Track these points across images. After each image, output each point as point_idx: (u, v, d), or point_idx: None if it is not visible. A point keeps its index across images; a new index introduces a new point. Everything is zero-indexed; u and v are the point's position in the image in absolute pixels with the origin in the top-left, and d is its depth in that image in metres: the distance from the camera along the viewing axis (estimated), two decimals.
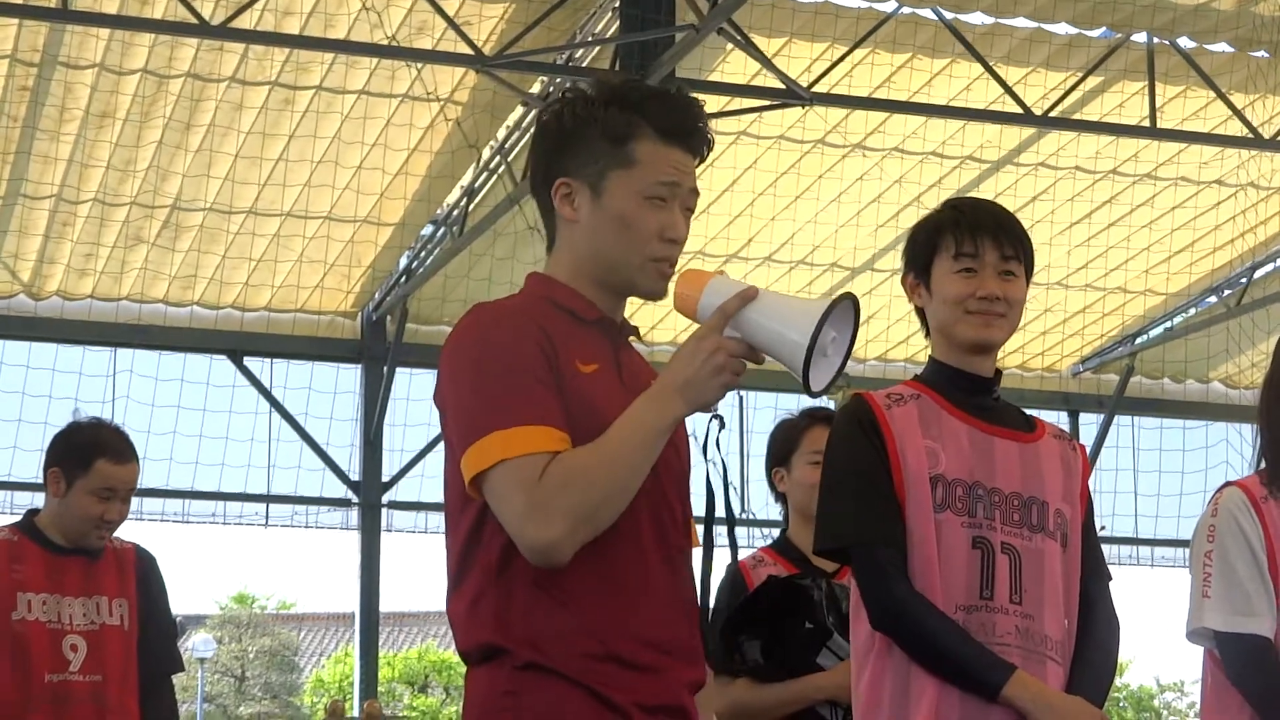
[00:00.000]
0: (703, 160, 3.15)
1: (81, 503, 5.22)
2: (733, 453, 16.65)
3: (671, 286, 3.06)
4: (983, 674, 3.59)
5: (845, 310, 2.87)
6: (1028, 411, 3.97)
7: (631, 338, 3.20)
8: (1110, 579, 3.94)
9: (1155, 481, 17.61)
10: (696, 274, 2.97)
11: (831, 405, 6.06)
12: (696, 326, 2.94)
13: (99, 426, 5.40)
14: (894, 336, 16.06)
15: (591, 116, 3.07)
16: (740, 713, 4.97)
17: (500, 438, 2.88)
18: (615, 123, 3.05)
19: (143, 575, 5.41)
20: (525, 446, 2.86)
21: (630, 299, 3.18)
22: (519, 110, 13.11)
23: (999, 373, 3.87)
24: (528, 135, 12.98)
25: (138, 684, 5.35)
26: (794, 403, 16.43)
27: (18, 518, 5.47)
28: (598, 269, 3.08)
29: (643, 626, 2.96)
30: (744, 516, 16.35)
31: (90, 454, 5.24)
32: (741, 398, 16.56)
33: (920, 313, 3.90)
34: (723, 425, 3.01)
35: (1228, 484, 4.11)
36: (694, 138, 3.11)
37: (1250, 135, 13.08)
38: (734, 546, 3.15)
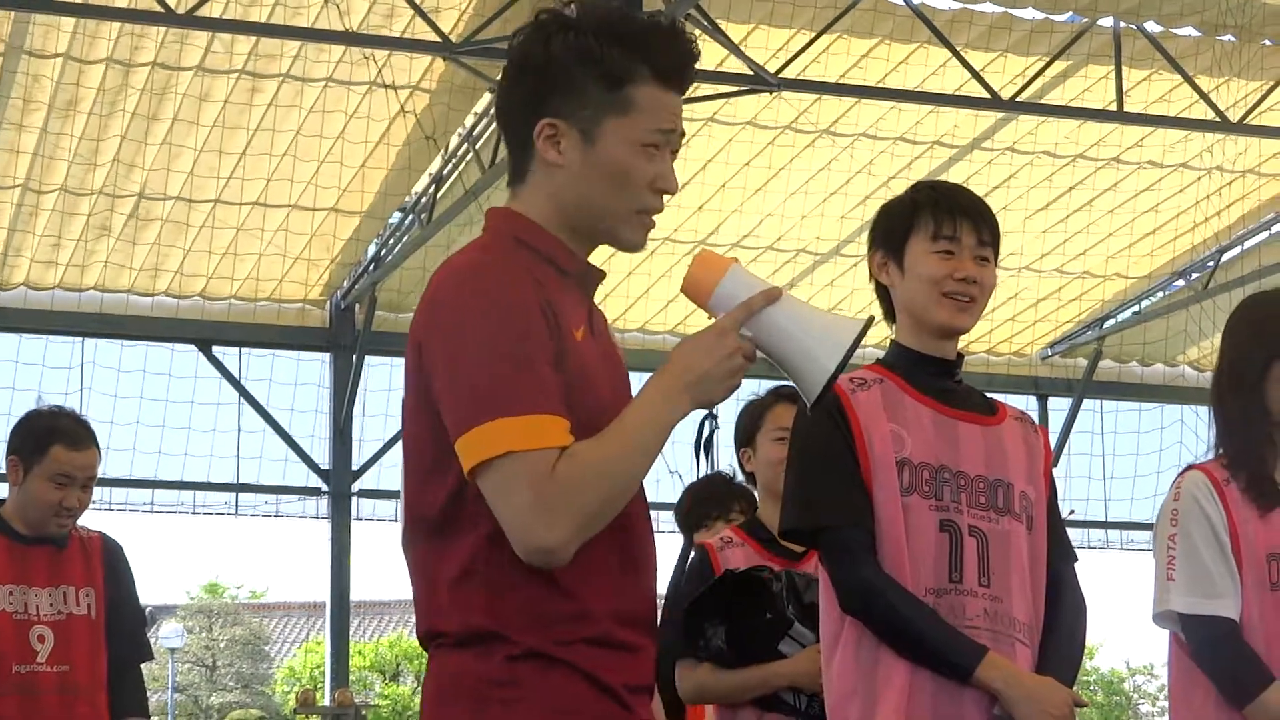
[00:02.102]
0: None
1: (39, 489, 5.23)
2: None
3: (647, 247, 2.91)
4: (955, 656, 3.60)
5: (864, 333, 2.74)
6: (994, 395, 3.98)
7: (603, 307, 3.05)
8: (1076, 559, 3.95)
9: (1124, 465, 17.66)
10: (714, 258, 2.79)
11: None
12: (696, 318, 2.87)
13: (57, 414, 5.41)
14: None
15: (586, 54, 2.82)
16: (705, 696, 5.02)
17: (508, 425, 2.68)
18: (613, 63, 2.82)
19: (110, 564, 5.41)
20: (536, 440, 2.68)
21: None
22: (487, 97, 13.08)
23: (961, 356, 3.87)
24: (495, 123, 12.94)
25: (106, 673, 5.35)
26: (762, 389, 16.41)
27: None
28: (580, 217, 2.87)
29: (630, 606, 2.85)
30: None
31: (46, 440, 5.25)
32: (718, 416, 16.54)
33: (882, 292, 3.88)
34: (717, 425, 2.96)
35: (1189, 467, 4.13)
36: (687, 80, 2.90)
37: (1217, 119, 13.11)
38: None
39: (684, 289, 2.81)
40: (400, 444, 12.66)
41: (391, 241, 14.71)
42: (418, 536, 2.85)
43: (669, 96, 2.87)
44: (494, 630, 2.76)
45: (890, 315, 3.89)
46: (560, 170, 2.85)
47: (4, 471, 5.44)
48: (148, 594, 5.94)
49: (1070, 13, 12.66)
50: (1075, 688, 3.75)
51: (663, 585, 4.94)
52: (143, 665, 5.60)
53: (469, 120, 13.38)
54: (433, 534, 2.82)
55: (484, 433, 2.69)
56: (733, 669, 4.88)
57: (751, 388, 5.44)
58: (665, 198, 2.91)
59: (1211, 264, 16.05)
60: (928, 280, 3.75)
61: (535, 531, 2.68)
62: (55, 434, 5.29)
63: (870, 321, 2.76)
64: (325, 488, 15.69)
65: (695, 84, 13.19)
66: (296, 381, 15.77)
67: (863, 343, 2.75)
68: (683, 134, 2.92)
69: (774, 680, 4.84)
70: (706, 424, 2.86)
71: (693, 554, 5.33)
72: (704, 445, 2.89)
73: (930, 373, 3.80)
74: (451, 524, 2.80)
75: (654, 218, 2.91)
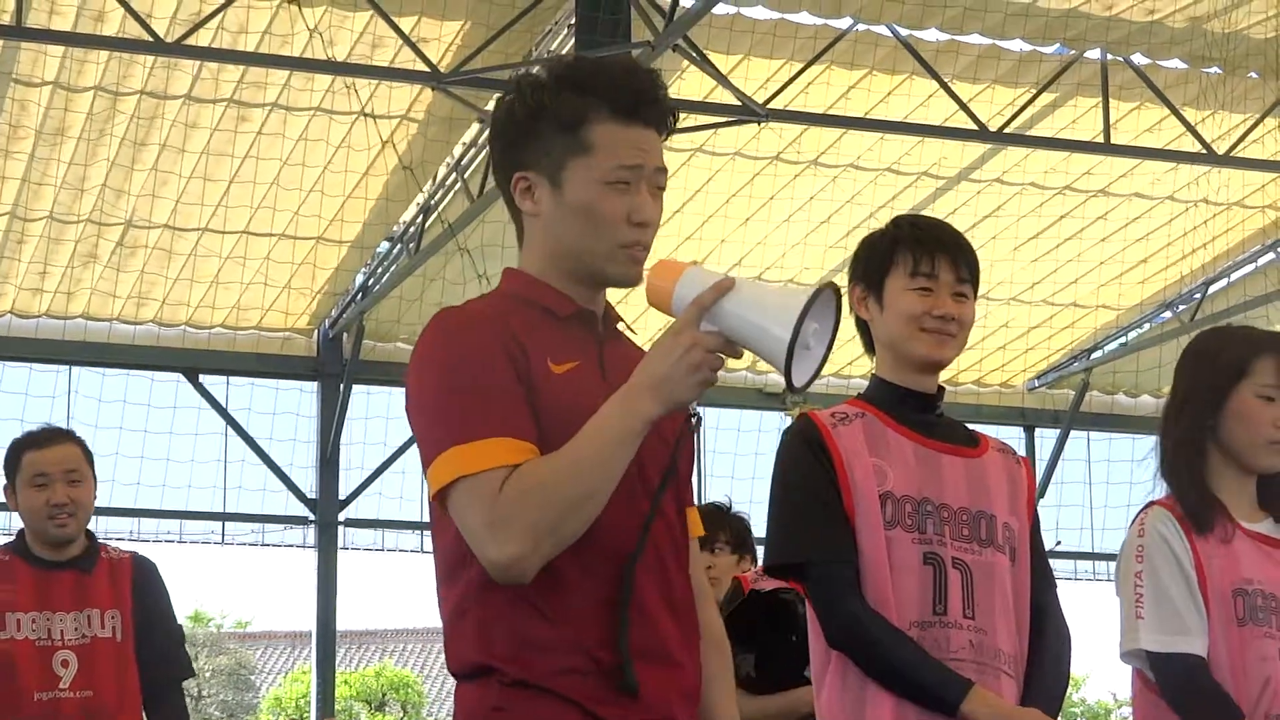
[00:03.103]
0: (669, 133, 2.98)
1: (26, 499, 5.32)
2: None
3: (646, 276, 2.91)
4: (941, 690, 3.60)
5: (827, 300, 2.72)
6: (981, 426, 3.98)
7: (621, 326, 3.07)
8: (1056, 588, 3.96)
9: (1113, 495, 17.66)
10: (670, 265, 2.83)
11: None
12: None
13: (27, 432, 5.51)
14: (853, 352, 16.04)
15: (542, 103, 2.91)
16: None
17: (458, 453, 2.76)
18: (567, 107, 2.89)
19: (139, 583, 5.44)
20: (483, 462, 2.74)
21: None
22: (475, 128, 13.10)
23: (942, 389, 3.87)
24: (484, 153, 12.98)
25: (139, 693, 5.36)
26: (755, 420, 16.45)
27: (10, 538, 5.54)
28: (566, 261, 2.95)
29: (627, 635, 2.82)
30: None
31: (18, 453, 5.38)
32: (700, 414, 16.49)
33: (862, 326, 3.90)
34: (700, 424, 2.88)
35: (1152, 503, 4.12)
36: (653, 111, 2.93)
37: (1203, 151, 13.15)
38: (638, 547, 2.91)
39: (649, 300, 2.85)
40: (386, 473, 12.49)
41: (380, 271, 14.70)
42: (436, 578, 2.96)
43: (631, 132, 2.90)
44: (485, 663, 2.83)
45: (871, 349, 3.90)
46: (538, 219, 2.95)
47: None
48: None
49: (1058, 44, 12.69)
50: (1059, 716, 3.75)
51: None
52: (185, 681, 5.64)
53: (457, 150, 13.39)
54: (441, 575, 2.93)
55: (439, 464, 2.80)
56: (761, 694, 4.94)
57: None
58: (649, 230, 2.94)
59: (1198, 296, 16.07)
60: (906, 316, 3.76)
61: (488, 549, 2.74)
62: (24, 444, 5.43)
63: (828, 286, 2.71)
64: (312, 517, 15.66)
65: (683, 114, 13.26)
66: (283, 410, 15.75)
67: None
68: (661, 169, 2.94)
69: (800, 706, 4.89)
70: (684, 425, 2.80)
71: (727, 585, 5.38)
72: (678, 445, 2.83)
73: (912, 406, 3.80)
74: (454, 564, 2.88)
75: (644, 249, 2.94)
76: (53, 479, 5.31)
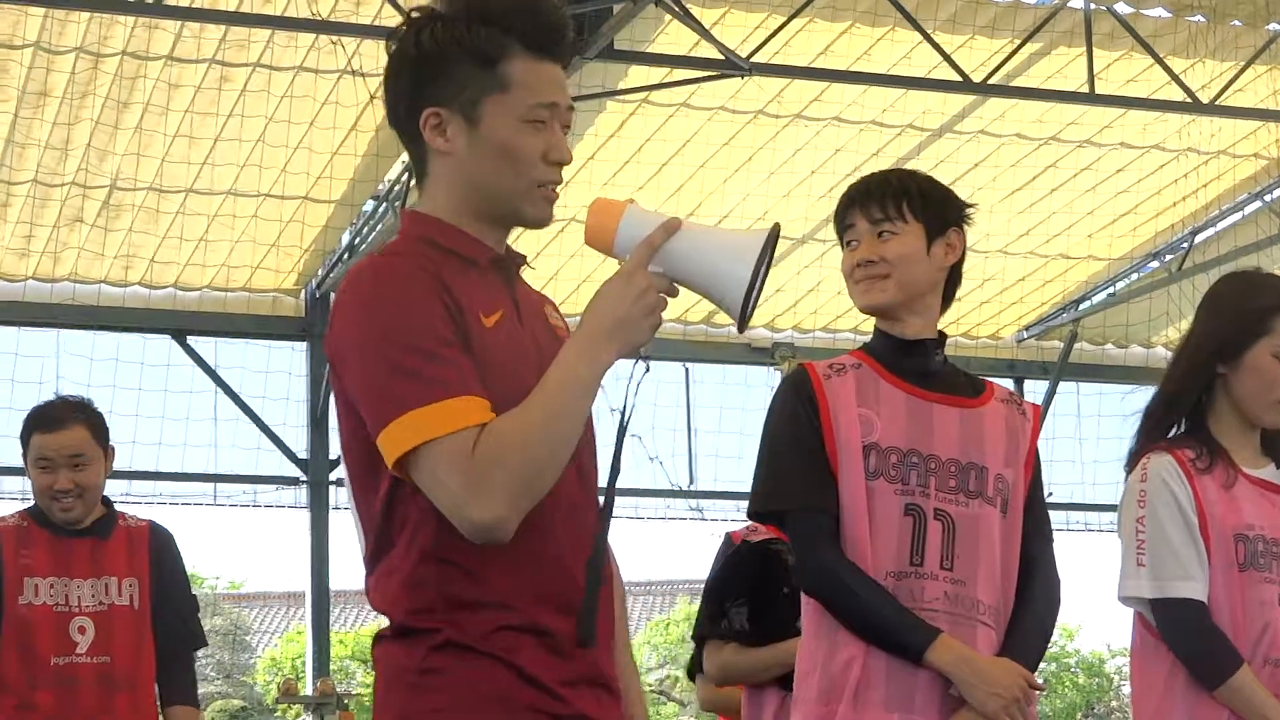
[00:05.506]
0: (566, 66, 2.93)
1: (33, 478, 5.35)
2: (679, 429, 16.57)
3: (558, 214, 2.88)
4: (906, 638, 3.66)
5: (773, 240, 2.70)
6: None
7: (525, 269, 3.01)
8: (1052, 541, 3.98)
9: (1104, 448, 17.69)
10: (609, 203, 2.77)
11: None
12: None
13: (46, 403, 5.50)
14: (841, 306, 16.07)
15: (455, 38, 2.82)
16: (730, 675, 5.18)
17: (420, 415, 2.67)
18: (483, 43, 2.81)
19: (156, 553, 5.46)
20: (450, 424, 2.66)
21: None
22: None
23: (944, 335, 3.91)
24: None
25: (154, 661, 5.38)
26: (741, 375, 16.46)
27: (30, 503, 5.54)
28: (481, 201, 2.87)
29: (555, 592, 2.81)
30: (691, 489, 16.36)
31: (29, 431, 5.37)
32: (687, 370, 16.50)
33: None
34: (648, 368, 2.80)
35: (1154, 449, 4.13)
36: (563, 46, 2.87)
37: (1189, 100, 13.13)
38: (609, 502, 2.88)
39: (587, 240, 2.79)
40: None
41: (365, 229, 14.68)
42: (365, 537, 2.91)
43: (545, 67, 2.85)
44: (414, 625, 2.80)
45: None
46: (451, 157, 2.86)
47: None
48: None
49: None
50: (1051, 666, 3.78)
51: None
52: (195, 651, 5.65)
53: None
54: (378, 538, 2.87)
55: (399, 427, 2.70)
56: (755, 646, 5.02)
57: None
58: (569, 171, 2.92)
59: (1185, 245, 16.08)
60: (845, 276, 3.85)
61: (470, 512, 2.66)
62: (34, 422, 5.41)
63: (777, 227, 2.71)
64: (304, 477, 15.67)
65: (666, 68, 13.18)
66: (273, 370, 15.74)
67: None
68: (571, 107, 2.90)
69: (788, 659, 4.94)
70: (636, 367, 2.72)
71: (721, 541, 5.45)
72: (627, 391, 2.76)
73: (908, 355, 3.85)
74: (384, 524, 2.84)
75: (556, 188, 2.89)
76: (56, 464, 5.30)
